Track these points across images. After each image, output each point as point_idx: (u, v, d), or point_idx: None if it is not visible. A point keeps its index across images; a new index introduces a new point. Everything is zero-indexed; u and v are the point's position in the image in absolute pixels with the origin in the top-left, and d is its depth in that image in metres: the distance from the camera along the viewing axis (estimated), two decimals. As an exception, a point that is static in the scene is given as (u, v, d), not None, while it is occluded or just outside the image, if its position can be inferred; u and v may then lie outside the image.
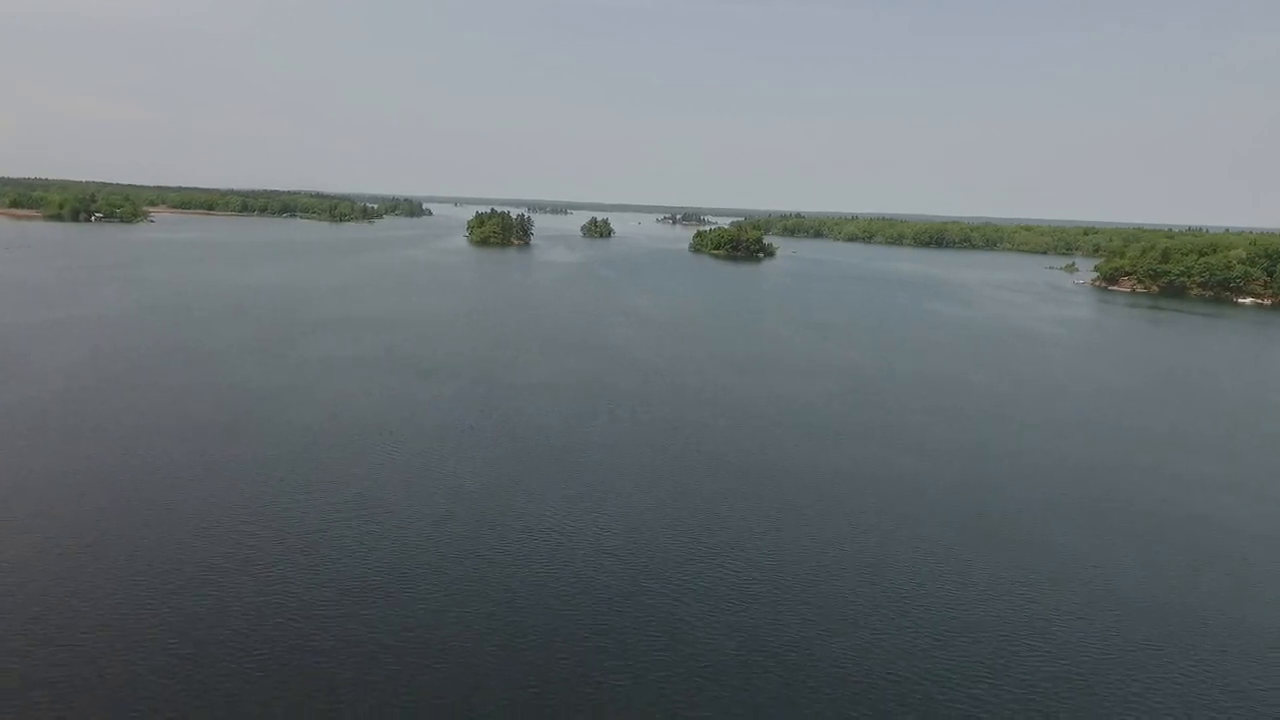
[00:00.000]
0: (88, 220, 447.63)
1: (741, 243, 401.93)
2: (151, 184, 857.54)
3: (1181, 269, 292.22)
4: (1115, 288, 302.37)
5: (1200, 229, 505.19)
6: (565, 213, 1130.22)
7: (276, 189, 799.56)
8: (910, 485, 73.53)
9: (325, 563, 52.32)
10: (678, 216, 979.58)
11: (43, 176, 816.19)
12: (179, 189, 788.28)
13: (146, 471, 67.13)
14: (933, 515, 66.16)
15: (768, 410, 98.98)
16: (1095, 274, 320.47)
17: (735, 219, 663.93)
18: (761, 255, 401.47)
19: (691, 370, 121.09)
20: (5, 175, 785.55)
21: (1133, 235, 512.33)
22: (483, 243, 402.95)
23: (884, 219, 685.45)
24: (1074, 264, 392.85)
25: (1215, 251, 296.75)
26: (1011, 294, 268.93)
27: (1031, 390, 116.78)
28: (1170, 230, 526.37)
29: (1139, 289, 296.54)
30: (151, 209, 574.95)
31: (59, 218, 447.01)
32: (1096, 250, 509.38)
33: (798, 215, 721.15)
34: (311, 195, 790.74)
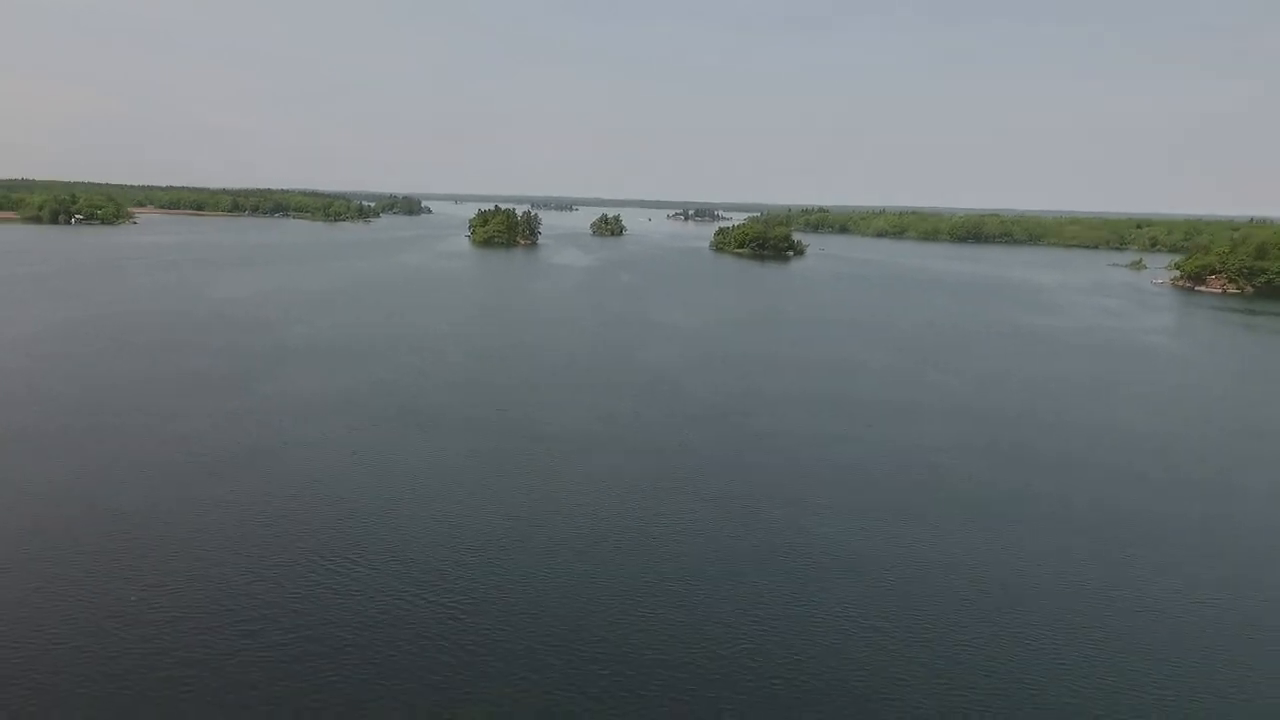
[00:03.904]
0: (67, 222, 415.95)
1: (769, 240, 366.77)
2: (139, 183, 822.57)
3: None
4: (1202, 288, 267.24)
5: (1264, 220, 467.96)
6: (571, 209, 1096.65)
7: (269, 187, 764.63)
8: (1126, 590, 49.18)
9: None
10: (690, 212, 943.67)
11: (28, 177, 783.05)
12: (167, 188, 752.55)
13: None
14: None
15: (886, 476, 70.11)
16: (1177, 272, 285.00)
17: (751, 214, 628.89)
18: (791, 254, 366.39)
19: (763, 413, 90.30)
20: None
21: (1191, 228, 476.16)
22: (486, 243, 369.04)
23: (913, 213, 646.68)
24: (1141, 260, 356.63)
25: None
26: (1092, 298, 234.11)
27: (1206, 434, 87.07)
28: (1232, 221, 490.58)
29: (1230, 289, 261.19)
30: (138, 210, 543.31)
31: (37, 220, 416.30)
32: (1153, 244, 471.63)
33: (821, 210, 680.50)
34: (305, 193, 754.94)
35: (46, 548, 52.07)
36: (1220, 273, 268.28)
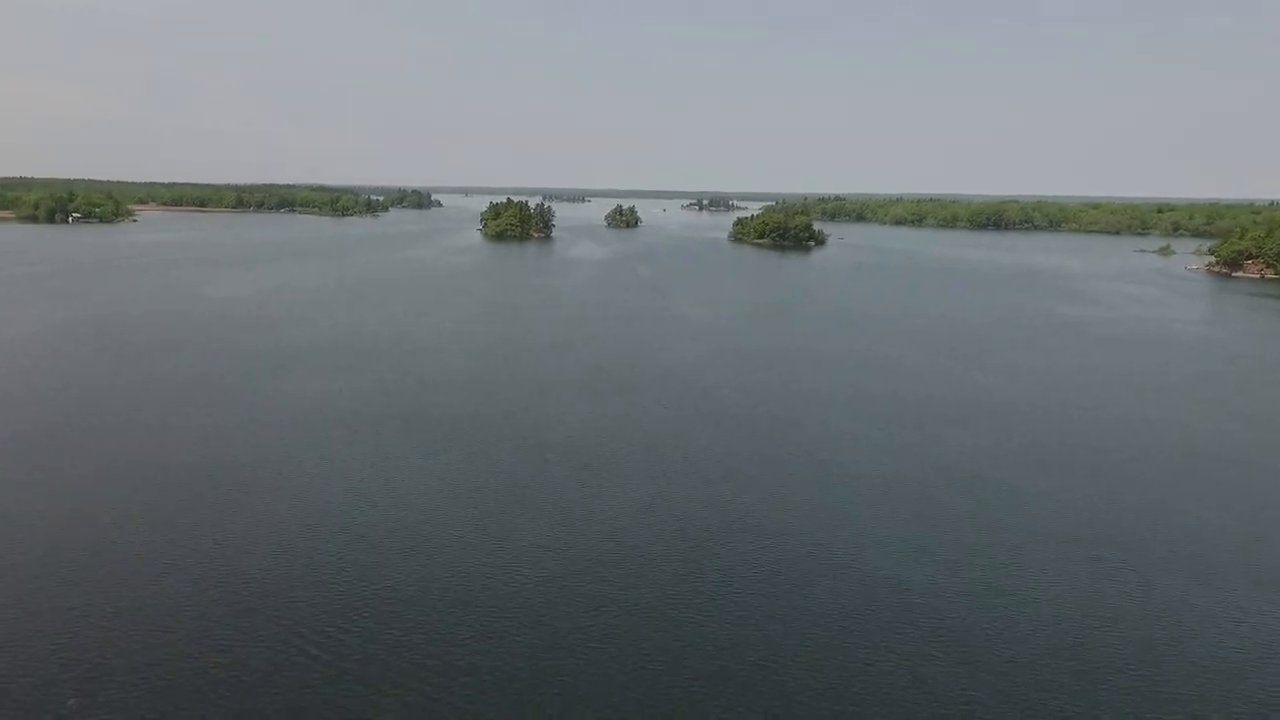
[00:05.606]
0: (65, 221, 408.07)
1: (789, 230, 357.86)
2: (143, 180, 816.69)
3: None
4: (1239, 274, 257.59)
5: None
6: (584, 200, 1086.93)
7: (276, 182, 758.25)
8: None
9: None
10: (705, 202, 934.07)
11: (27, 175, 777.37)
12: (170, 185, 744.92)
13: None
14: None
15: (951, 501, 60.62)
16: (1212, 258, 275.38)
17: (766, 203, 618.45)
18: (812, 244, 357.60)
19: (806, 419, 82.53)
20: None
21: (1214, 212, 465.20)
22: (499, 236, 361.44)
23: (931, 199, 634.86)
24: (1169, 246, 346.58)
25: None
26: (1124, 286, 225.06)
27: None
28: (1253, 205, 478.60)
29: (1269, 274, 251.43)
30: (139, 207, 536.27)
31: (34, 218, 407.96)
32: (1176, 229, 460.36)
33: (837, 198, 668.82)
34: (312, 188, 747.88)
35: (32, 557, 48.70)
36: (1258, 257, 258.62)
